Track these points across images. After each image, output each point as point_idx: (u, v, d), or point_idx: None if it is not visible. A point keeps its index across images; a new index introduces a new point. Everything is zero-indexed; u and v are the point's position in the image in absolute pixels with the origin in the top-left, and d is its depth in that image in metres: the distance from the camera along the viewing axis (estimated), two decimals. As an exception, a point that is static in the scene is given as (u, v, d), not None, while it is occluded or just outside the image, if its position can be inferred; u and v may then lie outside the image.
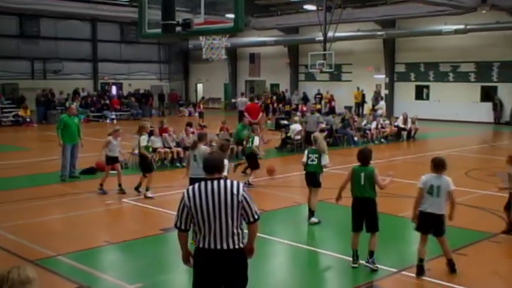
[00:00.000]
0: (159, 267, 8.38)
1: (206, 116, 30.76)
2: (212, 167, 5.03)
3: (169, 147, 17.37)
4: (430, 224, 7.54)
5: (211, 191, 4.91)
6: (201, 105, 32.91)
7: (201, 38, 13.32)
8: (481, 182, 14.35)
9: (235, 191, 4.91)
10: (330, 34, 30.19)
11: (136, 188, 12.95)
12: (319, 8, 30.90)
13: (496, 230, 9.92)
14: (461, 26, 31.07)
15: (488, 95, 33.40)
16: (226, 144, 9.66)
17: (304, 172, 10.81)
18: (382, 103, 31.79)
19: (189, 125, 18.76)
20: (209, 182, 4.96)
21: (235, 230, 4.92)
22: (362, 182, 7.80)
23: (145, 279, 7.79)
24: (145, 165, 12.98)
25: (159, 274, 8.05)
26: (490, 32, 31.39)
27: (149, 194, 12.60)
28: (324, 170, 10.66)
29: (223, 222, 4.88)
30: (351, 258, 8.14)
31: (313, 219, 10.71)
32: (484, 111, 33.26)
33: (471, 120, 33.17)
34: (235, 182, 5.01)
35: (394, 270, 7.86)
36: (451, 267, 7.72)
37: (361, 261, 7.93)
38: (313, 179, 10.64)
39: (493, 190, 13.11)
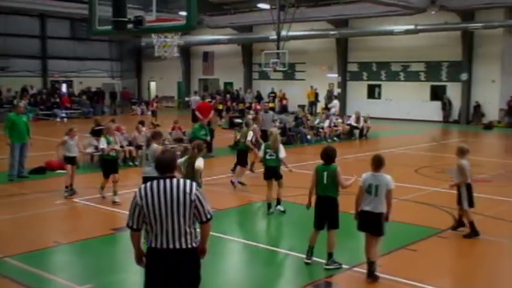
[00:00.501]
0: (110, 267, 8.25)
1: (159, 115, 30.46)
2: (164, 166, 4.98)
3: (122, 146, 17.09)
4: (369, 223, 7.49)
5: (163, 190, 4.85)
6: (154, 104, 32.55)
7: (153, 35, 13.19)
8: (431, 179, 14.66)
9: (187, 190, 4.87)
10: (283, 33, 30.32)
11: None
12: (273, 6, 31.01)
13: (444, 226, 10.15)
14: (412, 27, 31.69)
15: (437, 94, 34.18)
16: (201, 144, 9.57)
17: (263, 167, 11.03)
18: (335, 102, 32.12)
19: (141, 123, 18.53)
20: (161, 181, 4.90)
21: (187, 229, 4.87)
22: (325, 181, 7.80)
23: (96, 280, 7.64)
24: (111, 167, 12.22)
25: (110, 274, 7.92)
26: (439, 32, 32.11)
27: (117, 199, 11.84)
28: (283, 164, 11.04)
29: (176, 222, 4.83)
30: (304, 256, 8.19)
31: (279, 207, 11.05)
32: (434, 110, 34.03)
33: (421, 119, 33.87)
34: (188, 181, 4.96)
35: (347, 266, 7.93)
36: (369, 271, 7.44)
37: (314, 258, 7.95)
38: (273, 172, 11.09)
39: (442, 187, 13.44)
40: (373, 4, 29.70)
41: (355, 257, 7.85)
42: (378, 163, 7.52)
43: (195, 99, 28.56)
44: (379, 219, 7.42)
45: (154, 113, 30.67)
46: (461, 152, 9.72)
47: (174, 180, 4.91)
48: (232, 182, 13.47)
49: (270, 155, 11.10)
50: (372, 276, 7.42)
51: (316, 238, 7.97)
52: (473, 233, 9.45)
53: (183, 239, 4.86)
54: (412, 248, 8.89)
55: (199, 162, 8.99)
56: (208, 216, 4.99)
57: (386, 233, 7.55)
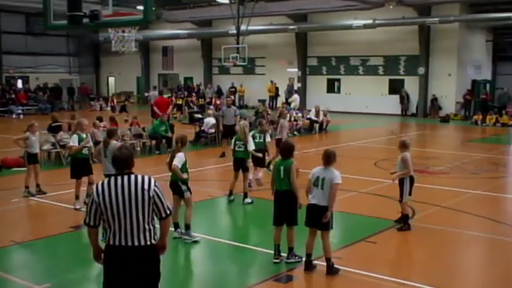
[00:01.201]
0: (68, 266, 8.11)
1: (116, 111, 30.03)
2: (121, 163, 4.90)
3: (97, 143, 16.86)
4: (314, 217, 7.46)
5: (121, 186, 4.78)
6: (115, 100, 32.06)
7: (110, 30, 12.98)
8: (389, 171, 14.83)
9: (146, 186, 4.81)
10: (243, 27, 30.28)
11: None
12: (232, 1, 30.93)
13: (403, 218, 10.30)
14: (370, 21, 32.06)
15: (395, 88, 34.68)
16: (185, 137, 9.46)
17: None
18: (296, 96, 32.27)
19: (99, 119, 18.28)
20: (119, 178, 4.83)
21: (146, 226, 4.82)
22: (281, 176, 7.76)
23: (54, 279, 7.51)
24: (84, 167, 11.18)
25: (68, 273, 7.79)
26: (397, 27, 32.58)
27: (77, 206, 11.04)
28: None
29: (134, 218, 4.77)
30: (266, 250, 8.21)
31: (247, 200, 11.28)
32: (392, 104, 34.51)
33: (380, 112, 34.33)
34: (146, 177, 4.89)
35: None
36: (328, 268, 7.47)
37: (284, 254, 7.94)
38: (241, 164, 11.50)
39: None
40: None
41: (316, 249, 7.88)
42: (327, 158, 7.51)
43: (154, 94, 28.27)
44: (324, 213, 7.39)
45: (124, 108, 30.16)
46: (404, 146, 9.78)
47: (132, 177, 4.84)
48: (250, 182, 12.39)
49: (239, 147, 11.53)
50: (331, 272, 7.43)
51: (280, 235, 7.93)
52: (406, 226, 9.60)
53: (141, 236, 4.80)
54: (371, 240, 9.00)
55: (175, 160, 8.86)
56: (168, 212, 4.95)
57: (338, 227, 7.58)
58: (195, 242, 8.90)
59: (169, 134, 18.98)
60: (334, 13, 33.44)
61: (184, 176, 8.89)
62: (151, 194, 4.81)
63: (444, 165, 16.01)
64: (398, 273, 7.70)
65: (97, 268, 8.16)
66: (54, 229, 9.78)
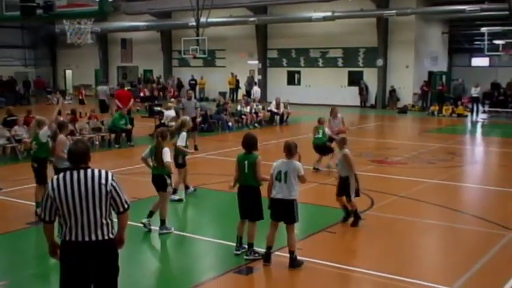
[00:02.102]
0: (26, 262, 7.96)
1: (74, 104, 29.50)
2: (77, 157, 4.81)
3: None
4: (279, 211, 7.47)
5: (77, 181, 4.70)
6: (83, 92, 31.31)
7: (65, 21, 12.69)
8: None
9: (103, 181, 4.74)
10: (202, 19, 30.09)
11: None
12: (192, -7, 30.66)
13: (362, 208, 10.42)
14: (329, 13, 32.24)
15: (354, 79, 35.04)
16: (165, 131, 9.42)
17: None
18: (256, 88, 32.30)
19: (59, 113, 17.89)
20: (75, 172, 4.75)
21: (104, 221, 4.76)
22: (246, 170, 7.66)
23: (12, 276, 7.36)
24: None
25: (26, 269, 7.65)
26: (355, 19, 32.88)
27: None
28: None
29: (91, 213, 4.70)
30: (227, 242, 8.21)
31: (175, 197, 10.94)
32: (351, 95, 34.86)
33: (339, 104, 34.39)
34: (103, 171, 4.82)
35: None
36: (291, 261, 7.46)
37: (245, 246, 7.94)
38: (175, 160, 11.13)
39: (359, 170, 13.81)
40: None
41: (278, 241, 7.92)
42: (287, 149, 7.51)
43: (102, 88, 27.61)
44: (291, 207, 7.41)
45: (82, 102, 29.62)
46: (343, 143, 9.53)
47: (89, 171, 4.77)
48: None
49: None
50: (294, 266, 7.44)
51: (243, 228, 7.93)
52: (356, 220, 9.33)
53: (99, 231, 4.73)
54: (331, 230, 9.09)
55: (167, 157, 8.89)
56: (126, 206, 4.89)
57: (300, 219, 7.61)
58: (170, 233, 8.99)
59: (130, 127, 18.78)
60: (294, 5, 33.53)
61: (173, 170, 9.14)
62: (108, 189, 4.75)
63: (402, 156, 16.27)
64: (357, 262, 7.81)
65: (55, 264, 8.04)
66: (10, 225, 9.57)
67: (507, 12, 26.87)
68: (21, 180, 12.29)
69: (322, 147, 14.01)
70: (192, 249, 8.64)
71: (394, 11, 31.56)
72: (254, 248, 7.78)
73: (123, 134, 18.66)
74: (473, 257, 7.98)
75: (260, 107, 25.84)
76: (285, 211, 7.43)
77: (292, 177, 7.38)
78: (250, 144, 7.76)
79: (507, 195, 12.16)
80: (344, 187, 9.27)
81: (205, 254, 8.45)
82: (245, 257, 7.78)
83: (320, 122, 14.34)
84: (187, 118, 11.80)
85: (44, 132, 10.01)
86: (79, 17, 11.02)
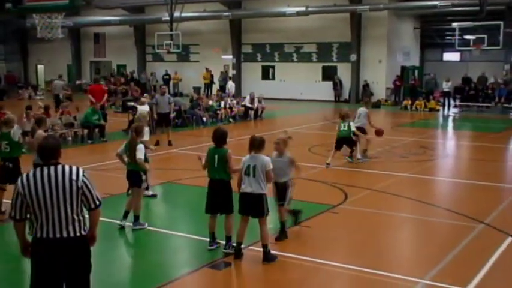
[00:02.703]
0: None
1: (47, 99, 29.15)
2: (48, 153, 4.76)
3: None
4: (248, 205, 7.47)
5: (47, 177, 4.65)
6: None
7: (35, 15, 12.46)
8: (323, 157, 15.10)
9: (74, 177, 4.70)
10: (176, 14, 29.94)
11: None
12: (165, -13, 30.47)
13: (335, 202, 10.52)
14: (303, 8, 32.35)
15: (328, 74, 35.21)
16: (140, 126, 9.34)
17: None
18: (231, 83, 32.29)
19: (29, 108, 17.69)
20: (45, 168, 4.69)
21: (75, 217, 4.72)
22: (216, 164, 7.67)
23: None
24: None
25: (-3, 268, 7.55)
26: (329, 14, 33.03)
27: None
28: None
29: (62, 210, 4.66)
30: (201, 238, 8.20)
31: (148, 192, 10.81)
32: (326, 90, 35.05)
33: (314, 99, 34.80)
34: (74, 167, 4.78)
35: (243, 246, 8.00)
36: (264, 255, 7.47)
37: (221, 241, 7.92)
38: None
39: (333, 165, 13.92)
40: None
41: (252, 236, 7.94)
42: (254, 144, 7.53)
43: (57, 83, 27.22)
44: (260, 201, 7.42)
45: (57, 97, 29.12)
46: (285, 144, 8.50)
47: (59, 167, 4.72)
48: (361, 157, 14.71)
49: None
50: (268, 260, 7.46)
51: (215, 223, 7.92)
52: (284, 235, 8.42)
53: (70, 228, 4.69)
54: (305, 224, 9.14)
55: (140, 154, 8.84)
56: (97, 203, 4.85)
57: (269, 212, 7.64)
58: (143, 229, 8.95)
59: (102, 123, 18.62)
60: (268, 0, 33.55)
61: (147, 166, 9.07)
62: (79, 185, 4.71)
63: (375, 150, 16.41)
64: (330, 256, 7.86)
65: (25, 262, 7.96)
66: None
67: (478, 8, 27.24)
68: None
69: (347, 140, 14.35)
70: (167, 244, 8.62)
71: (367, 7, 31.79)
72: (231, 242, 7.75)
73: (96, 130, 18.50)
74: (445, 249, 8.11)
75: (234, 101, 25.82)
76: (253, 205, 7.45)
77: (261, 172, 7.39)
78: (219, 137, 7.79)
79: (478, 188, 12.36)
80: (283, 193, 8.44)
81: (179, 250, 8.44)
82: (223, 250, 7.77)
83: (346, 115, 14.66)
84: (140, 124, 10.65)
85: (16, 131, 9.82)
86: (49, 11, 10.82)
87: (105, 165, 13.89)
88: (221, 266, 7.46)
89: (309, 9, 32.34)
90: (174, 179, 12.06)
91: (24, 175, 4.76)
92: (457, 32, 31.36)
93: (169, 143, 17.03)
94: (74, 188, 4.69)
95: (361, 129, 14.98)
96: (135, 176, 8.99)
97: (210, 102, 24.35)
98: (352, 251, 8.30)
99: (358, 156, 14.66)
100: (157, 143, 17.00)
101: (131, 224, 8.99)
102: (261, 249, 7.58)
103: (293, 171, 8.56)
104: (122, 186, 10.64)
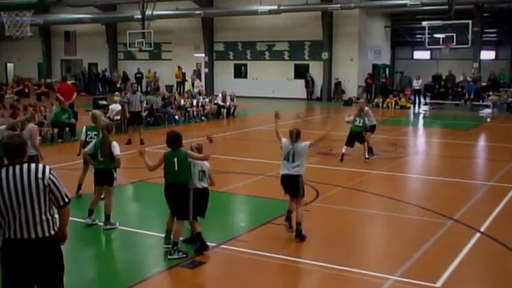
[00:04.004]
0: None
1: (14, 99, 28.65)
2: (13, 152, 4.68)
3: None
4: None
5: (12, 176, 4.56)
6: (29, 85, 30.23)
7: (2, 13, 12.25)
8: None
9: (40, 175, 4.60)
10: (148, 12, 29.75)
11: None
12: (136, -15, 30.28)
13: (306, 199, 10.55)
14: (275, 7, 32.41)
15: (301, 72, 35.36)
16: (110, 124, 9.38)
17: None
18: (198, 81, 32.35)
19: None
20: (10, 167, 4.60)
21: (43, 217, 4.62)
22: (176, 168, 7.55)
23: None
24: None
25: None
26: (301, 12, 33.16)
27: None
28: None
29: (29, 209, 4.57)
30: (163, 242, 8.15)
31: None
32: (298, 88, 35.20)
33: (286, 97, 34.90)
34: (40, 166, 4.70)
35: (214, 244, 8.02)
36: (297, 231, 8.21)
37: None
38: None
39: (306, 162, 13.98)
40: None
41: (226, 234, 7.94)
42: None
43: None
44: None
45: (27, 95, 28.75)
46: (200, 150, 8.07)
47: (25, 165, 4.62)
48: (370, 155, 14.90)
49: (91, 138, 10.40)
50: (299, 237, 8.16)
51: (173, 223, 7.87)
52: (203, 246, 7.83)
53: (38, 227, 4.60)
54: (277, 222, 9.17)
55: (116, 150, 8.90)
56: (66, 200, 4.75)
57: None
58: (114, 228, 8.89)
59: (73, 121, 18.42)
60: (240, -2, 33.57)
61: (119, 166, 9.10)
62: (46, 183, 4.61)
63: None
64: (302, 254, 7.92)
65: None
66: None
67: (446, 7, 27.62)
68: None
69: (359, 135, 14.63)
70: (138, 244, 8.57)
71: (339, 5, 31.98)
72: (178, 247, 7.61)
73: (67, 129, 18.29)
74: (415, 245, 8.22)
75: (207, 100, 25.76)
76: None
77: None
78: (175, 141, 7.72)
79: (447, 185, 12.55)
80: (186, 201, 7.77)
81: (150, 249, 8.39)
82: (169, 257, 7.55)
83: (365, 112, 14.91)
84: (110, 122, 10.46)
85: (2, 130, 9.74)
86: (18, 9, 10.67)
87: (75, 164, 13.71)
88: (192, 265, 7.43)
89: (281, 7, 32.42)
90: (146, 178, 11.97)
91: None
92: (426, 31, 31.66)
93: (141, 142, 16.92)
94: (41, 186, 4.59)
95: (373, 128, 15.43)
96: (107, 174, 8.92)
97: (182, 102, 24.23)
98: (323, 248, 8.35)
99: (366, 154, 14.91)
100: (129, 142, 16.92)
101: (102, 224, 8.92)
102: (231, 248, 7.60)
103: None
104: (91, 186, 10.57)
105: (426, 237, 8.60)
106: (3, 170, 4.61)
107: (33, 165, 4.66)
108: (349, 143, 14.64)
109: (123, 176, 12.68)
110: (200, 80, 35.35)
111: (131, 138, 17.02)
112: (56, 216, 4.83)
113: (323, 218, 9.78)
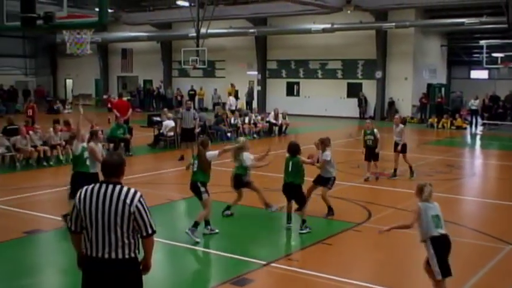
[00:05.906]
0: (22, 271, 7.93)
1: (74, 113, 29.49)
2: (109, 170, 4.66)
3: (35, 146, 16.56)
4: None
5: (103, 196, 4.53)
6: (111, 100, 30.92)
7: (64, 32, 12.72)
8: (346, 174, 15.05)
9: (128, 201, 4.52)
10: (203, 30, 30.21)
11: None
12: (192, 4, 30.83)
13: (359, 220, 10.44)
14: (329, 25, 32.39)
15: (353, 91, 35.10)
16: (206, 139, 9.85)
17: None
18: (232, 99, 32.51)
19: (57, 122, 17.99)
20: (103, 186, 4.59)
21: (125, 240, 4.54)
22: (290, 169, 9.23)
23: (7, 285, 7.34)
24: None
25: (22, 278, 7.62)
26: (354, 31, 33.02)
27: None
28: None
29: (112, 232, 4.51)
30: (224, 254, 8.21)
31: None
32: (351, 107, 34.93)
33: (339, 115, 34.69)
34: (132, 190, 4.60)
35: (264, 262, 8.00)
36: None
37: (232, 255, 7.92)
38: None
39: (357, 181, 13.84)
40: (291, 3, 30.12)
41: (276, 252, 7.92)
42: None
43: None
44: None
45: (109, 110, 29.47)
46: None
47: (117, 187, 4.57)
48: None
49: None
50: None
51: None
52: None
53: (119, 250, 4.52)
54: (328, 242, 9.08)
55: (248, 161, 10.34)
56: (149, 231, 4.60)
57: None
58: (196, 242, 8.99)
59: (128, 136, 18.82)
60: (293, 17, 33.66)
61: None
62: (132, 210, 4.52)
63: (400, 168, 16.26)
64: (351, 275, 7.80)
65: (54, 273, 8.04)
66: (7, 234, 9.55)
67: (506, 26, 26.98)
68: (18, 189, 12.30)
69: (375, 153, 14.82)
70: (189, 259, 8.64)
71: (393, 24, 31.70)
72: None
73: (122, 144, 18.70)
74: (471, 270, 7.99)
75: (259, 117, 25.87)
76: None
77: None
78: (293, 148, 9.97)
79: (505, 208, 12.17)
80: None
81: (201, 265, 8.46)
82: (300, 231, 9.49)
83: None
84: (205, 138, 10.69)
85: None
86: (78, 28, 11.02)
87: (129, 179, 13.99)
88: (243, 282, 7.43)
89: (335, 26, 32.36)
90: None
91: (83, 189, 4.67)
92: (484, 50, 31.11)
93: (181, 158, 17.10)
94: (126, 212, 4.51)
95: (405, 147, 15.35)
96: (195, 187, 9.37)
97: (233, 120, 24.34)
98: (375, 270, 8.22)
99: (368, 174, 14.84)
100: (181, 158, 17.12)
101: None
102: (281, 266, 7.55)
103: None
104: (147, 200, 10.75)
105: (483, 262, 8.35)
106: (97, 186, 4.62)
107: (125, 188, 4.59)
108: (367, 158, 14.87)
109: (173, 191, 12.86)
110: (236, 99, 35.27)
111: (184, 154, 17.23)
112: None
113: (376, 239, 9.59)
